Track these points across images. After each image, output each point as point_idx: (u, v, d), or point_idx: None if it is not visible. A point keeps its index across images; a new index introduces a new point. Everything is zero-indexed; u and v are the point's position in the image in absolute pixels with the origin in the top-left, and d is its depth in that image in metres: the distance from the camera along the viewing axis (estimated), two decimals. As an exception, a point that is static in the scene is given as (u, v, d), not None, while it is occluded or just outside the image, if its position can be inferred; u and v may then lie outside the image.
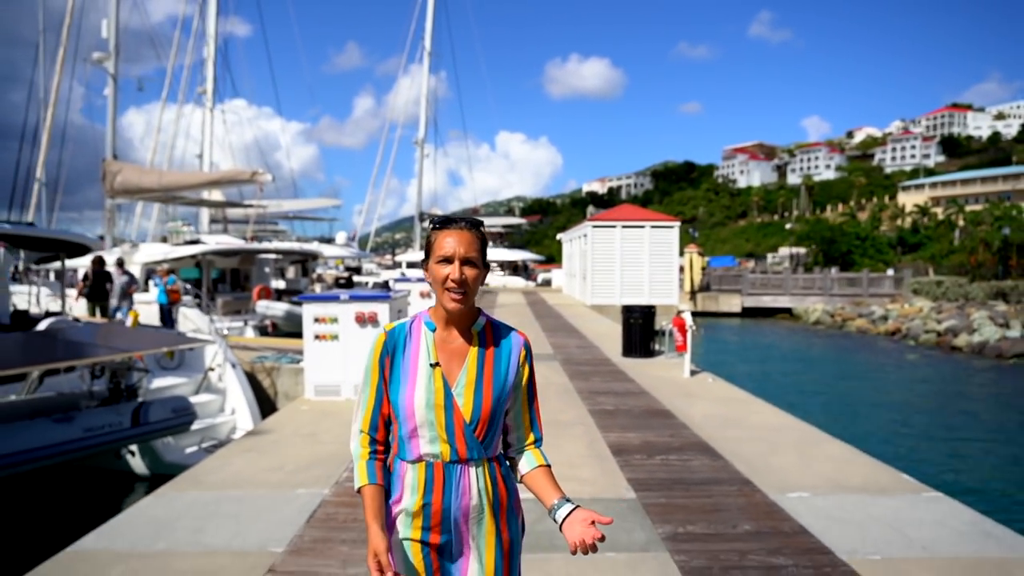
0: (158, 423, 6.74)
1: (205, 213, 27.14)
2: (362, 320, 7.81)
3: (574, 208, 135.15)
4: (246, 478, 4.96)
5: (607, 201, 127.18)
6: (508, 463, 1.78)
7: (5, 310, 9.16)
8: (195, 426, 7.71)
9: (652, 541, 3.81)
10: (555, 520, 1.63)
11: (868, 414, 13.11)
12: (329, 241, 38.46)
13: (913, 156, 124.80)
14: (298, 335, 14.46)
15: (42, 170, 24.42)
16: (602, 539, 1.55)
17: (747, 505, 4.38)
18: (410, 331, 1.70)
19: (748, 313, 34.97)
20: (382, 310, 7.85)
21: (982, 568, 3.45)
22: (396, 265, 44.81)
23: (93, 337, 7.76)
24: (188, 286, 16.53)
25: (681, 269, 32.86)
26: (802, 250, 60.16)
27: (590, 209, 67.12)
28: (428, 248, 1.66)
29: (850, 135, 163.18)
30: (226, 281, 21.20)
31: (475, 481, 1.66)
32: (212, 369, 9.24)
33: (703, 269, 38.66)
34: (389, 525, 1.66)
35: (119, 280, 13.29)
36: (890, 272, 38.48)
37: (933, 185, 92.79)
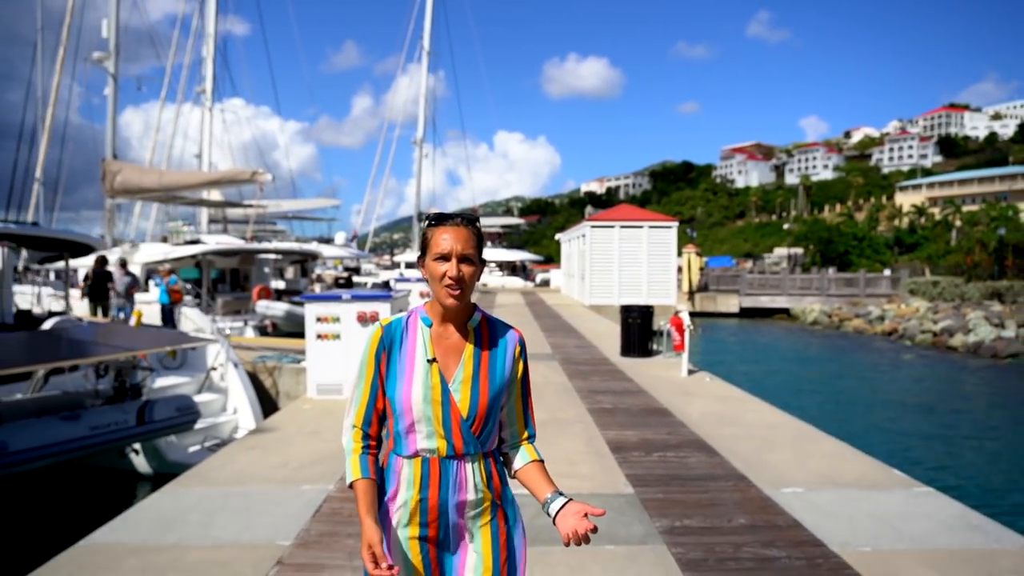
0: (163, 421, 6.83)
1: (204, 213, 27.23)
2: (364, 319, 7.91)
3: (572, 208, 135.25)
4: (252, 474, 5.06)
5: (605, 201, 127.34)
6: (502, 458, 1.79)
7: (9, 310, 9.25)
8: (198, 425, 7.81)
9: (650, 534, 3.92)
10: (548, 513, 1.65)
11: (863, 413, 13.24)
12: (328, 241, 38.56)
13: (910, 156, 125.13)
14: (298, 335, 14.56)
15: (41, 170, 24.47)
16: (594, 530, 1.57)
17: (742, 500, 4.49)
18: (406, 326, 1.71)
19: (746, 313, 35.11)
20: (384, 310, 7.94)
21: (967, 558, 3.56)
22: (395, 265, 44.89)
23: (97, 336, 7.85)
24: (189, 286, 16.62)
25: (679, 269, 32.98)
26: (798, 250, 60.33)
27: (588, 209, 67.26)
28: (425, 244, 1.66)
29: (848, 135, 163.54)
30: (226, 281, 21.28)
31: (471, 476, 1.67)
32: (214, 368, 9.33)
33: (701, 269, 38.78)
34: (385, 520, 1.67)
35: (121, 280, 13.37)
36: (887, 272, 38.65)
37: (930, 185, 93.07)
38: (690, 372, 9.58)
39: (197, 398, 8.48)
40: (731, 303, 35.64)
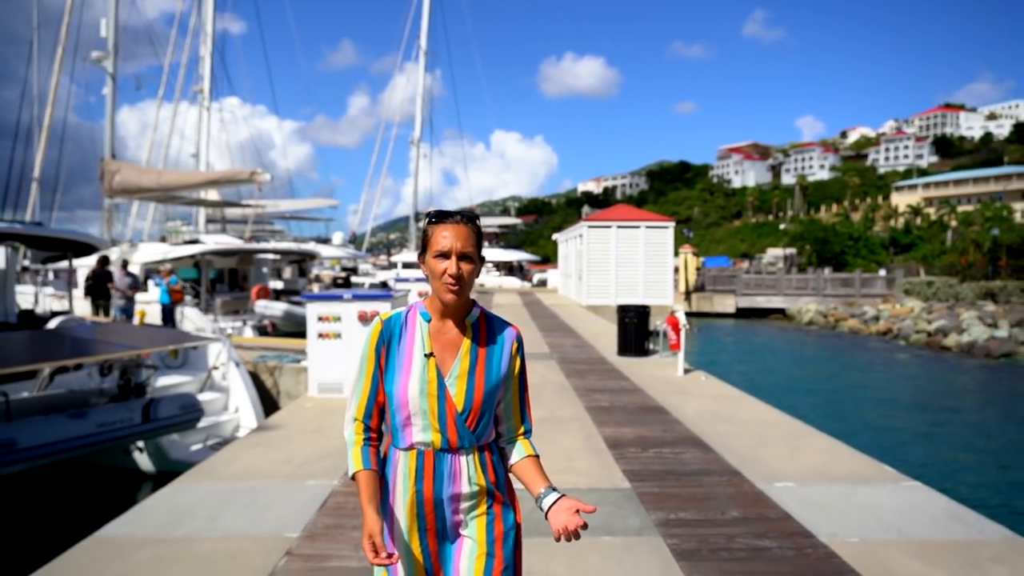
0: (167, 419, 6.94)
1: (202, 213, 27.29)
2: (364, 319, 8.02)
3: (569, 208, 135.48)
4: (257, 470, 5.18)
5: (602, 201, 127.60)
6: (500, 452, 1.81)
7: (12, 309, 9.34)
8: (200, 424, 7.92)
9: (646, 526, 4.05)
10: (541, 508, 1.68)
11: (856, 411, 13.40)
12: (326, 241, 38.66)
13: (906, 156, 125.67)
14: (297, 335, 14.68)
15: (40, 169, 24.50)
16: (585, 527, 1.60)
17: (736, 494, 4.62)
18: (406, 321, 1.73)
19: (742, 313, 35.27)
20: (384, 309, 8.05)
21: (950, 548, 3.70)
22: (392, 265, 44.96)
23: (101, 335, 7.95)
24: (188, 286, 16.71)
25: (676, 269, 33.13)
26: (791, 251, 60.58)
27: (585, 209, 67.50)
28: (425, 242, 1.69)
29: (844, 135, 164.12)
30: (224, 281, 21.36)
31: (465, 469, 1.69)
32: (216, 368, 9.43)
33: (698, 269, 38.95)
34: (387, 510, 1.71)
35: (122, 280, 13.47)
36: (882, 273, 38.87)
37: (926, 185, 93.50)
38: (686, 371, 9.72)
39: (199, 397, 8.59)
40: (727, 303, 35.81)
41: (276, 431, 6.47)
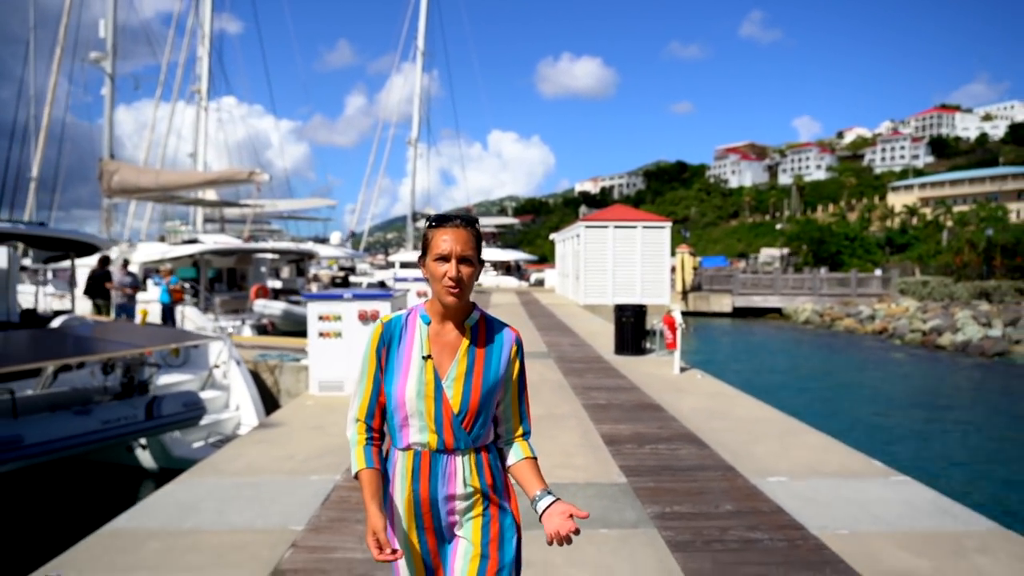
0: (170, 416, 7.04)
1: (199, 213, 27.35)
2: (365, 318, 8.13)
3: (567, 208, 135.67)
4: (261, 466, 5.28)
5: (600, 201, 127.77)
6: (499, 454, 1.83)
7: (14, 309, 9.42)
8: (202, 421, 8.02)
9: (641, 519, 4.16)
10: (536, 510, 1.71)
11: (850, 408, 13.55)
12: (323, 241, 38.73)
13: (902, 157, 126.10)
14: (295, 334, 14.77)
15: (38, 169, 24.52)
16: (577, 532, 1.62)
17: (729, 488, 4.73)
18: (406, 323, 1.75)
19: (739, 313, 35.45)
20: (384, 308, 8.16)
21: (936, 539, 3.82)
22: (389, 265, 45.04)
23: (104, 334, 8.04)
24: (187, 285, 16.78)
25: (673, 269, 33.29)
26: (784, 251, 60.81)
27: (583, 209, 67.58)
28: (425, 245, 1.71)
29: (840, 135, 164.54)
30: (222, 280, 21.44)
31: (460, 470, 1.71)
32: (217, 366, 9.52)
33: (695, 269, 39.14)
34: (390, 508, 1.74)
35: (123, 280, 13.54)
36: (878, 272, 39.09)
37: (922, 186, 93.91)
38: (682, 369, 9.84)
39: (201, 395, 8.68)
40: (724, 303, 35.98)
41: (278, 428, 6.57)
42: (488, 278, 42.58)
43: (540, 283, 42.70)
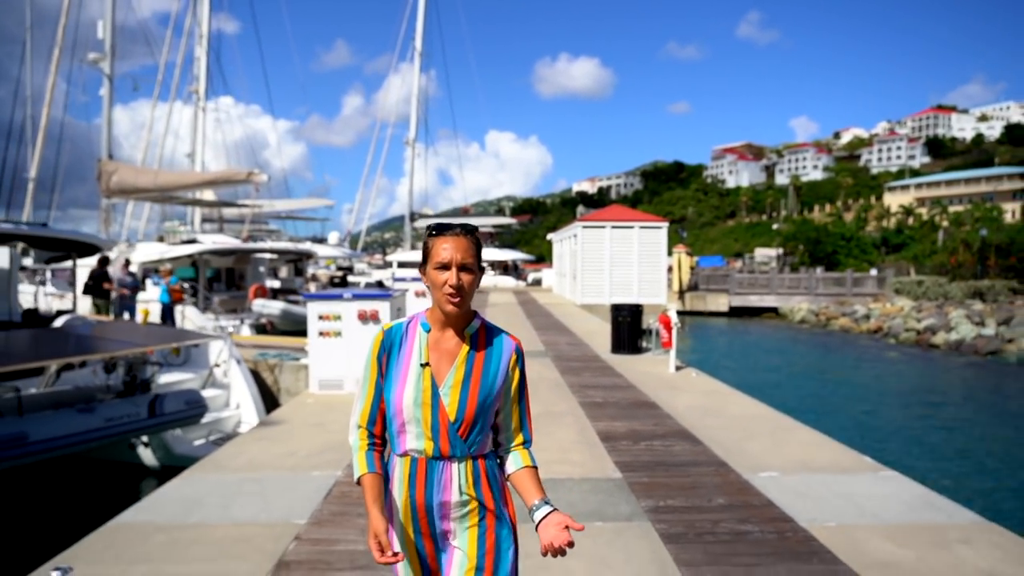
0: (172, 414, 7.13)
1: (197, 213, 27.40)
2: (364, 317, 8.23)
3: (564, 208, 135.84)
4: (263, 462, 5.38)
5: (597, 201, 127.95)
6: (498, 462, 1.83)
7: (16, 309, 9.50)
8: (203, 420, 8.11)
9: (635, 513, 4.27)
10: (532, 520, 1.71)
11: (843, 406, 13.69)
12: (321, 241, 38.78)
13: (899, 157, 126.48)
14: (295, 333, 14.85)
15: (37, 169, 24.55)
16: (571, 545, 1.63)
17: (722, 483, 4.85)
18: (406, 331, 1.77)
19: (735, 312, 35.59)
20: (383, 308, 8.26)
21: (921, 530, 3.95)
22: (387, 265, 45.11)
23: (106, 333, 8.13)
24: (186, 285, 16.86)
25: (670, 269, 33.43)
26: (778, 251, 61.02)
27: (580, 209, 67.79)
28: (426, 253, 1.73)
29: (837, 136, 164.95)
30: (221, 280, 21.51)
31: (456, 477, 1.71)
32: (218, 365, 9.61)
33: (692, 269, 39.28)
34: (391, 512, 1.76)
35: (123, 279, 13.62)
36: (873, 272, 39.29)
37: (918, 186, 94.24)
38: (678, 368, 9.95)
39: (202, 393, 8.77)
40: (720, 302, 36.12)
41: (279, 426, 6.66)
42: (486, 278, 42.58)
43: (537, 283, 42.80)
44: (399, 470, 1.73)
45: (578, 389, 8.44)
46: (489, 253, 45.52)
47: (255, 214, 26.70)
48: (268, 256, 23.20)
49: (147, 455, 8.08)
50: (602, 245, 24.44)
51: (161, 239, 24.29)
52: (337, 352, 8.21)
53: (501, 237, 59.90)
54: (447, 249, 1.68)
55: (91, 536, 3.90)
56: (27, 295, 13.66)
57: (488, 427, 1.77)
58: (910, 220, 72.63)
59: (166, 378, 9.23)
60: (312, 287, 24.45)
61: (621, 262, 24.36)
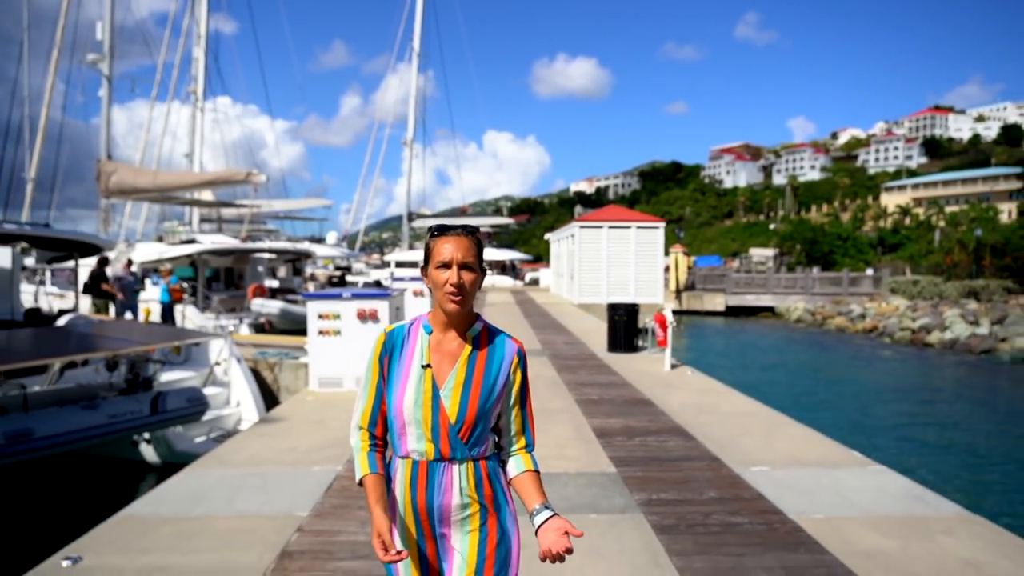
0: (175, 411, 7.24)
1: (196, 213, 27.46)
2: (363, 316, 8.34)
3: (562, 208, 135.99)
4: (265, 458, 5.48)
5: (595, 201, 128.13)
6: (501, 465, 1.83)
7: (18, 308, 9.60)
8: (204, 417, 8.21)
9: (629, 506, 4.38)
10: (532, 524, 1.71)
11: (837, 403, 13.84)
12: (320, 241, 38.85)
13: (896, 157, 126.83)
14: (293, 332, 14.95)
15: (36, 169, 24.58)
16: (570, 551, 1.64)
17: (714, 477, 4.97)
18: (408, 333, 1.77)
19: (732, 312, 35.75)
20: (382, 307, 8.37)
21: (906, 522, 4.07)
22: (385, 264, 45.19)
23: (108, 332, 8.22)
24: (186, 285, 16.96)
25: (667, 269, 33.55)
26: (774, 251, 61.21)
27: (578, 209, 67.91)
28: (427, 254, 1.74)
29: (835, 136, 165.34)
30: (220, 280, 21.60)
31: (457, 480, 1.71)
32: (218, 363, 9.71)
33: (689, 269, 39.42)
34: (393, 513, 1.76)
35: (124, 278, 13.71)
36: (869, 272, 39.48)
37: (915, 186, 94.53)
38: (673, 366, 10.07)
39: (203, 391, 8.86)
40: (717, 302, 36.27)
41: (280, 423, 6.77)
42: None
43: (535, 282, 42.92)
44: (401, 472, 1.74)
45: (574, 387, 8.55)
46: (487, 253, 45.51)
47: (253, 214, 26.80)
48: (267, 256, 23.29)
49: (149, 452, 8.18)
50: (599, 245, 24.56)
51: (160, 239, 24.38)
52: (336, 350, 8.32)
53: (499, 237, 59.99)
54: (448, 248, 1.69)
55: (99, 527, 4.01)
56: (27, 295, 13.73)
57: (489, 429, 1.77)
58: (907, 220, 72.91)
59: (168, 376, 9.33)
60: (311, 287, 24.55)
61: (618, 262, 24.48)
